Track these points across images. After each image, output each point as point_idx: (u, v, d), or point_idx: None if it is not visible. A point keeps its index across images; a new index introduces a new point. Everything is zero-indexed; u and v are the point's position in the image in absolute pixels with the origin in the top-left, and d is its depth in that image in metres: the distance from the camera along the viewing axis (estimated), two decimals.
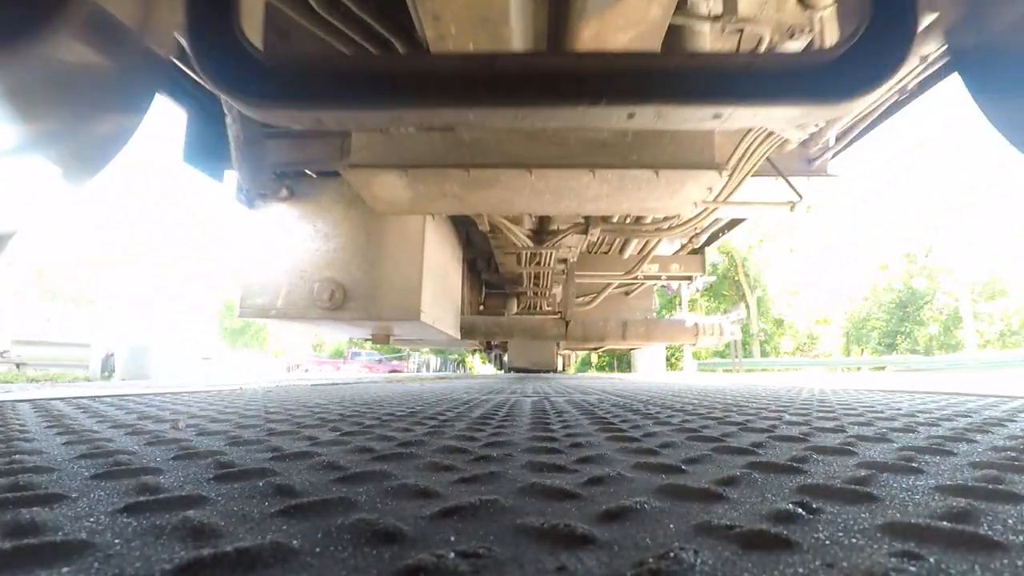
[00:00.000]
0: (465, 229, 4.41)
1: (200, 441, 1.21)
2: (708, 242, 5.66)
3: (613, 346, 10.10)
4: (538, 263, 4.46)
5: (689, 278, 6.11)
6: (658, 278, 6.05)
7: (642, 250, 5.47)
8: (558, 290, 6.73)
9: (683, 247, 5.83)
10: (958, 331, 26.82)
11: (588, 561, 0.46)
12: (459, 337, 4.36)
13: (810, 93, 0.79)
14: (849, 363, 24.49)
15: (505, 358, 14.81)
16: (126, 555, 0.48)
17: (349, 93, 0.80)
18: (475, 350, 15.72)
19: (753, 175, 2.68)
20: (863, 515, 0.61)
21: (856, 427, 1.43)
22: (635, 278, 5.89)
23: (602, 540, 0.52)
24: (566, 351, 13.59)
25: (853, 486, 0.73)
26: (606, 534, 0.54)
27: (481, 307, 7.11)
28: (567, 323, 5.14)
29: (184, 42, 0.78)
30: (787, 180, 3.16)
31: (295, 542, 0.51)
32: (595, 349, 12.38)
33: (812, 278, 30.83)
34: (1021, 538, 0.52)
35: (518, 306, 7.58)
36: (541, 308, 7.97)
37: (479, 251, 5.21)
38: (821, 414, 1.80)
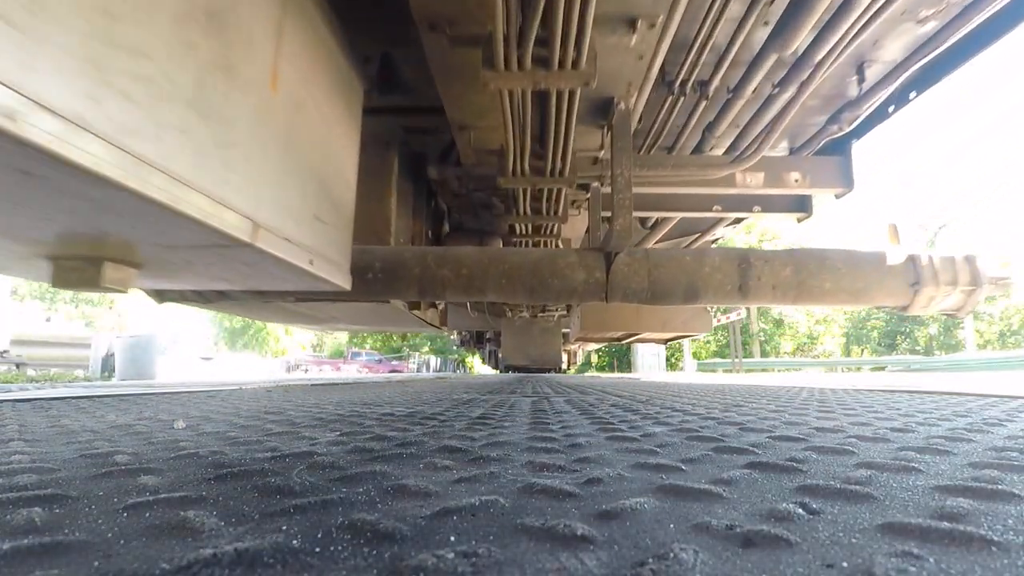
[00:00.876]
0: (379, 52, 1.86)
1: (200, 441, 1.21)
2: (862, 128, 2.69)
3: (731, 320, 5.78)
4: (546, 64, 1.30)
5: (806, 209, 3.10)
6: (748, 209, 3.04)
7: (744, 132, 2.44)
8: (580, 221, 3.27)
9: (813, 138, 2.74)
10: (958, 331, 26.82)
11: (588, 561, 0.46)
12: (343, 283, 1.38)
13: None
14: (849, 363, 24.51)
15: (501, 355, 12.64)
16: (126, 555, 0.48)
17: None
18: (461, 337, 12.53)
19: None
20: (862, 515, 0.61)
21: (855, 427, 1.43)
22: (716, 203, 2.94)
23: (601, 540, 0.52)
24: (580, 340, 7.93)
25: (852, 486, 0.73)
26: (605, 534, 0.54)
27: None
28: (610, 257, 1.79)
29: None
30: None
31: (295, 542, 0.51)
32: (632, 338, 6.49)
33: None
34: (1021, 538, 0.52)
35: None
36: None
37: (417, 107, 2.15)
38: (820, 414, 1.80)
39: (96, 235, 0.85)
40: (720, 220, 3.53)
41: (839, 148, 2.80)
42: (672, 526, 0.57)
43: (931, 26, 1.97)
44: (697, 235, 4.06)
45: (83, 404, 2.33)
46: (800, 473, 0.84)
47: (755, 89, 2.15)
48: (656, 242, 3.86)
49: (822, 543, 0.51)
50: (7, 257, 0.97)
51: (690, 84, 2.23)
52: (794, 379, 7.33)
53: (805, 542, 0.51)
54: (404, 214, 2.52)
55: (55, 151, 0.56)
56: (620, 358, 24.51)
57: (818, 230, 30.84)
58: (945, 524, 0.55)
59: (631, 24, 1.47)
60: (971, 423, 1.52)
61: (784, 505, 0.64)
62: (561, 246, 3.34)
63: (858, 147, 2.76)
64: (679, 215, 3.22)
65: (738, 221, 3.57)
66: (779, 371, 20.74)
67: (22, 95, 0.52)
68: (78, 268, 0.94)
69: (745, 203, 3.03)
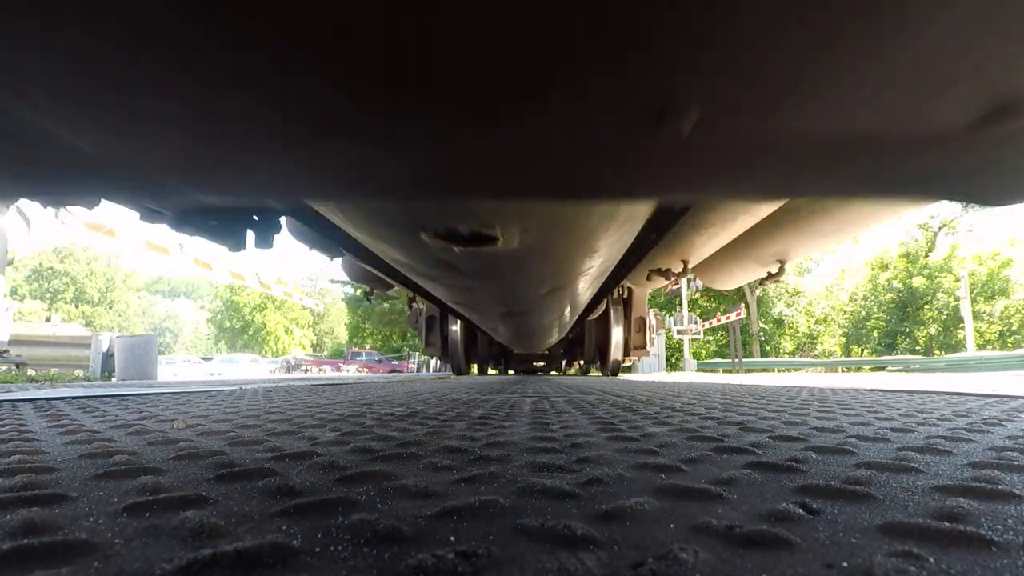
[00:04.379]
0: None
1: (200, 441, 1.21)
2: None
3: None
4: None
5: None
6: None
7: None
8: None
9: None
10: (958, 331, 26.84)
11: (588, 561, 0.46)
12: None
13: None
14: (849, 363, 24.52)
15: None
16: (126, 555, 0.48)
17: None
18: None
19: None
20: (862, 515, 0.61)
21: (855, 427, 1.43)
22: None
23: (602, 540, 0.52)
24: None
25: (852, 486, 0.73)
26: (606, 534, 0.54)
27: None
28: None
29: None
30: None
31: (295, 542, 0.51)
32: None
33: (812, 280, 30.85)
34: (1021, 538, 0.52)
35: None
36: None
37: None
38: (820, 414, 1.80)
39: None
40: None
41: None
42: (672, 526, 0.57)
43: None
44: None
45: (83, 404, 2.33)
46: (800, 473, 0.84)
47: None
48: None
49: (822, 543, 0.51)
50: None
51: None
52: (794, 379, 7.32)
53: (805, 542, 0.51)
54: None
55: None
56: None
57: None
58: (945, 524, 0.55)
59: None
60: (971, 423, 1.52)
61: (784, 505, 0.64)
62: None
63: None
64: None
65: None
66: (779, 371, 20.75)
67: None
68: None
69: None
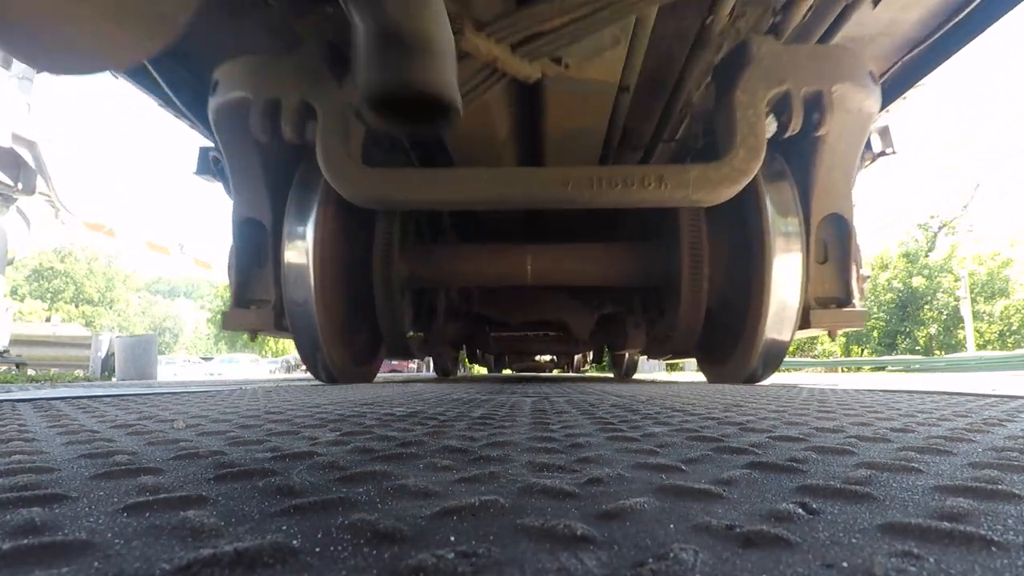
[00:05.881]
0: None
1: (200, 441, 1.21)
2: None
3: None
4: None
5: None
6: None
7: None
8: None
9: None
10: (958, 331, 26.85)
11: (588, 561, 0.46)
12: None
13: None
14: (849, 363, 24.52)
15: None
16: (126, 555, 0.48)
17: None
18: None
19: None
20: (862, 515, 0.61)
21: (855, 427, 1.43)
22: None
23: (601, 540, 0.52)
24: None
25: (852, 486, 0.73)
26: (605, 534, 0.54)
27: None
28: None
29: None
30: None
31: (295, 542, 0.51)
32: None
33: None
34: (1021, 538, 0.52)
35: None
36: None
37: None
38: (820, 414, 1.80)
39: None
40: None
41: None
42: (672, 526, 0.57)
43: None
44: None
45: (83, 404, 2.33)
46: (800, 473, 0.84)
47: None
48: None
49: (822, 543, 0.51)
50: None
51: None
52: (794, 379, 7.32)
53: (805, 542, 0.51)
54: None
55: None
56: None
57: None
58: (945, 524, 0.55)
59: None
60: (971, 423, 1.52)
61: (784, 505, 0.64)
62: None
63: None
64: None
65: None
66: (779, 371, 20.73)
67: None
68: None
69: None
